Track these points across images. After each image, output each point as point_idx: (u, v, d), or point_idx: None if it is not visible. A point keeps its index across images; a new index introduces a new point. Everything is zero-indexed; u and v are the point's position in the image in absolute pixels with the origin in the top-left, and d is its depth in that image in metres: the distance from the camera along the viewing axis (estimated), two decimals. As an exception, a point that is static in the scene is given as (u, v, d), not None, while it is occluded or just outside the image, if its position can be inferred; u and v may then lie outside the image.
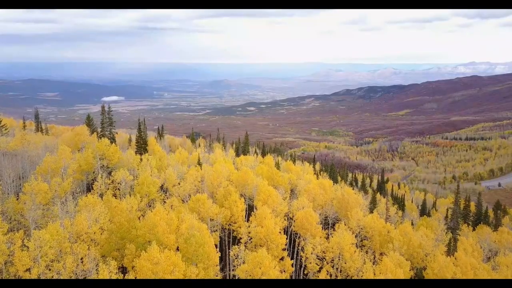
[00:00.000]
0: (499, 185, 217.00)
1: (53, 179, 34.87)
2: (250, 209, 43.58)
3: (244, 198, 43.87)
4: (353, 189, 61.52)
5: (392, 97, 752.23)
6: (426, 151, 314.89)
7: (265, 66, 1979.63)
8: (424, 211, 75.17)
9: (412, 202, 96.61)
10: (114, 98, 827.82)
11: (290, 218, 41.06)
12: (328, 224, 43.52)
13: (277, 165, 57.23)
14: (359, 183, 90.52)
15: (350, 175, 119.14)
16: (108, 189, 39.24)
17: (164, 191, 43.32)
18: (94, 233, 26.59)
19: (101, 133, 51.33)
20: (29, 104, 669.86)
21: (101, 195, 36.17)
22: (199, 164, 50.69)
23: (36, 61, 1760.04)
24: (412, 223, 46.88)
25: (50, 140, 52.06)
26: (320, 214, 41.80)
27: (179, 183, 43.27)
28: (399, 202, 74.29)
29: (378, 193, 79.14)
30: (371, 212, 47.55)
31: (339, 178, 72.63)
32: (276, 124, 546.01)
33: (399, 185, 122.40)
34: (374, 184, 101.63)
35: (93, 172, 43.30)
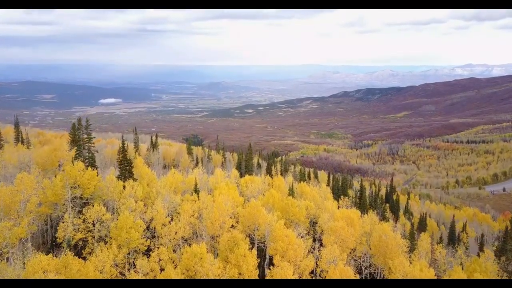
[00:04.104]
0: (504, 190, 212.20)
1: (2, 223, 26.39)
2: (260, 252, 35.27)
3: (253, 240, 35.77)
4: (371, 207, 55.19)
5: (390, 99, 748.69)
6: (427, 155, 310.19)
7: (263, 68, 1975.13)
8: (453, 236, 67.58)
9: (429, 217, 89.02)
10: (112, 100, 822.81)
11: (314, 272, 32.79)
12: (361, 273, 35.60)
13: (291, 190, 47.53)
14: (367, 192, 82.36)
15: (355, 183, 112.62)
16: (78, 231, 30.67)
17: (151, 232, 34.85)
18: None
19: (77, 152, 41.12)
20: (26, 107, 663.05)
21: (68, 244, 28.24)
22: (196, 191, 41.62)
23: (33, 63, 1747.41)
24: (462, 267, 39.86)
25: (26, 155, 45.05)
26: (351, 260, 34.36)
27: (170, 221, 34.60)
28: (421, 222, 67.97)
29: (404, 217, 70.83)
30: (411, 251, 39.99)
31: (354, 196, 63.50)
32: (274, 126, 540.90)
33: (409, 195, 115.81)
34: (382, 193, 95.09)
35: (63, 204, 34.55)
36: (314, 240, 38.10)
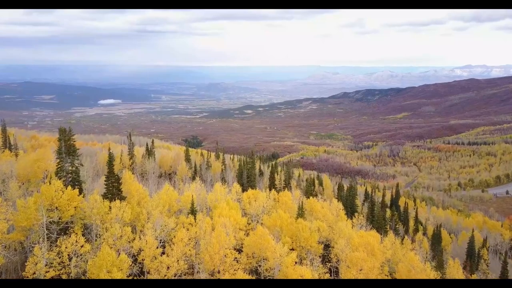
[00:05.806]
0: (507, 192, 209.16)
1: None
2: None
3: (259, 273, 31.66)
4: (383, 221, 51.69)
5: (389, 100, 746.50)
6: (428, 156, 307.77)
7: (262, 69, 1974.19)
8: (472, 252, 63.91)
9: (442, 228, 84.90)
10: (111, 101, 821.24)
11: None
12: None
13: (300, 210, 41.65)
14: (372, 196, 78.09)
15: (359, 187, 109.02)
16: (51, 267, 25.20)
17: (139, 266, 29.56)
18: None
19: (59, 166, 34.74)
20: (25, 107, 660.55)
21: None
22: (193, 212, 36.60)
23: (32, 64, 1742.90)
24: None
25: (9, 165, 41.26)
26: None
27: (162, 252, 29.44)
28: (435, 236, 64.41)
29: (417, 230, 66.05)
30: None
31: (361, 206, 58.80)
32: (274, 127, 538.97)
33: (415, 201, 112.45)
34: (387, 199, 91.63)
35: (37, 231, 29.01)
36: (330, 273, 34.32)
